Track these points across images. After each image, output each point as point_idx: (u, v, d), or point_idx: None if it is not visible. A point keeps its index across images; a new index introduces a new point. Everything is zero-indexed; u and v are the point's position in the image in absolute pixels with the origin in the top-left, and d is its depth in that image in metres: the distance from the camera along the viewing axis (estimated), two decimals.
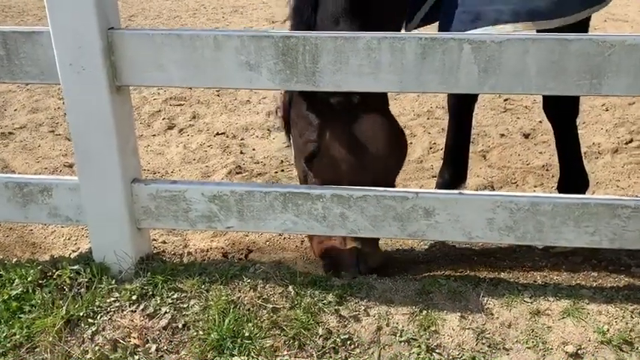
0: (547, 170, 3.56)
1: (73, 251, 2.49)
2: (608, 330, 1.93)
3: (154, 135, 4.27)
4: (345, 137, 2.24)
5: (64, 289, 2.12)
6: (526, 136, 4.15)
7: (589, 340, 1.91)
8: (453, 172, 2.81)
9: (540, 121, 4.42)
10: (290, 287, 2.10)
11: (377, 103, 2.26)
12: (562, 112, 2.46)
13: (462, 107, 2.71)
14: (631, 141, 3.98)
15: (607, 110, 4.57)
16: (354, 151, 2.23)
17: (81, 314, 2.04)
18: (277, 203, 2.12)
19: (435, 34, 1.87)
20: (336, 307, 2.04)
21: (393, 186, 2.43)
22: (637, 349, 1.89)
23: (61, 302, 2.07)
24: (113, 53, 1.96)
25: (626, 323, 1.96)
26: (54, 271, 2.18)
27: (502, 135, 4.16)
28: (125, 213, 2.14)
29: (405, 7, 2.35)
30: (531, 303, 2.05)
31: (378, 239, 2.42)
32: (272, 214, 2.14)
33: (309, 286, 2.11)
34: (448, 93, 2.69)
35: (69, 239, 2.64)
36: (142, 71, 1.98)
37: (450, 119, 2.76)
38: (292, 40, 1.89)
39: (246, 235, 2.69)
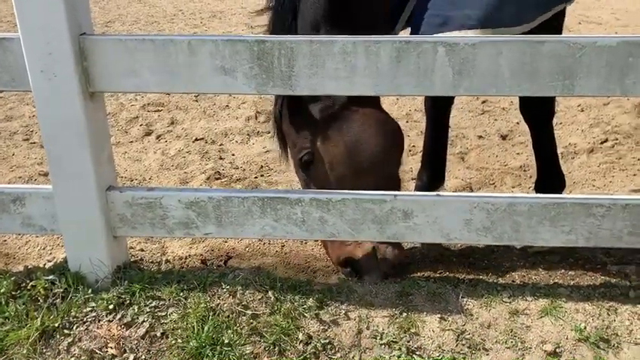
0: (524, 171, 3.60)
1: (49, 261, 2.44)
2: (585, 328, 1.95)
3: (132, 141, 4.22)
4: (337, 139, 2.24)
5: (39, 300, 2.08)
6: (503, 137, 4.20)
7: (567, 339, 1.93)
8: (432, 174, 2.82)
9: (517, 123, 4.47)
10: (270, 293, 2.09)
11: (365, 99, 2.25)
12: (538, 113, 2.49)
13: (439, 110, 2.72)
14: (606, 141, 4.05)
15: (582, 111, 4.64)
16: (348, 151, 2.23)
17: (56, 325, 2.00)
18: (255, 208, 2.11)
19: (409, 38, 1.88)
20: (317, 312, 2.04)
21: (398, 179, 2.41)
22: (613, 346, 1.91)
23: (35, 313, 2.03)
24: (86, 59, 1.93)
25: (603, 321, 1.98)
26: (28, 281, 2.14)
27: (480, 137, 4.20)
28: (101, 221, 2.11)
29: (385, 16, 2.34)
30: (510, 303, 2.07)
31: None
32: (250, 220, 2.12)
33: (289, 291, 2.10)
34: (424, 96, 2.70)
35: (44, 249, 2.60)
36: (116, 77, 1.96)
37: (428, 122, 2.77)
38: (267, 44, 1.89)
39: (226, 242, 2.67)
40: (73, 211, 2.10)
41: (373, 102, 2.33)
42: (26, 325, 1.99)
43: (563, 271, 2.33)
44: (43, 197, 2.14)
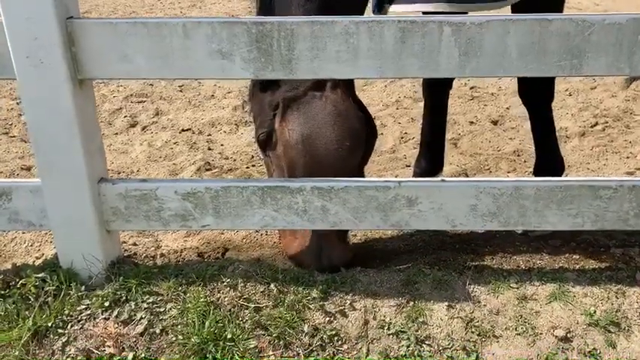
0: (518, 156, 3.58)
1: (37, 258, 2.34)
2: (595, 312, 1.93)
3: (116, 133, 4.10)
4: (294, 123, 2.11)
5: (30, 299, 1.98)
6: (495, 122, 4.17)
7: (577, 323, 1.90)
8: (431, 160, 2.77)
9: (507, 108, 4.45)
10: (272, 285, 2.02)
11: (338, 87, 2.13)
12: (538, 96, 2.45)
13: (437, 93, 2.67)
14: (596, 124, 4.05)
15: (570, 95, 4.64)
16: (302, 138, 2.09)
17: (49, 325, 1.91)
18: (255, 198, 2.03)
19: (414, 17, 1.81)
20: (321, 303, 1.98)
21: (359, 176, 2.25)
22: (624, 329, 1.89)
23: (27, 313, 1.93)
24: (74, 44, 1.83)
25: (612, 304, 1.96)
26: (17, 280, 2.04)
27: (471, 122, 4.16)
28: (93, 215, 2.01)
29: None
30: (518, 288, 2.03)
31: (346, 234, 2.32)
32: (250, 210, 2.05)
33: (291, 282, 2.04)
34: (429, 78, 2.63)
35: (31, 246, 2.48)
36: (106, 63, 1.86)
37: (426, 106, 2.71)
38: (267, 26, 1.80)
39: (222, 234, 2.59)
40: (63, 205, 2.00)
41: (345, 87, 2.17)
42: (17, 325, 1.90)
43: (567, 255, 2.30)
44: (31, 191, 2.04)
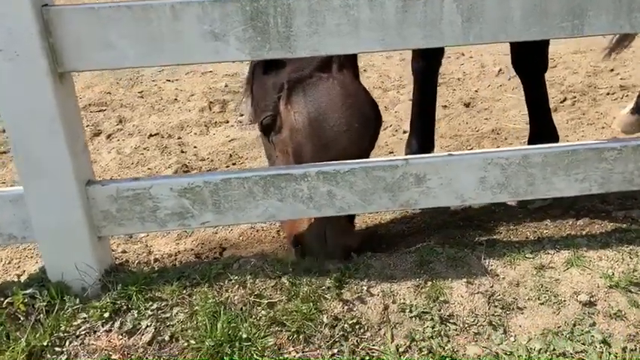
0: (498, 134, 3.59)
1: (18, 275, 2.15)
2: (613, 274, 1.91)
3: None
4: (300, 106, 2.05)
5: (19, 318, 1.80)
6: (467, 105, 4.18)
7: (598, 287, 1.88)
8: (422, 140, 2.72)
9: (476, 91, 4.47)
10: (283, 278, 1.91)
11: (344, 68, 2.09)
12: (532, 65, 2.44)
13: (428, 73, 2.62)
14: (565, 99, 4.11)
15: None
16: (310, 121, 2.03)
17: (45, 344, 1.74)
18: (257, 189, 1.92)
19: None
20: (337, 292, 1.88)
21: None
22: None
23: (18, 334, 1.76)
24: (51, 34, 1.67)
25: (628, 265, 1.95)
26: (2, 299, 1.85)
27: (445, 107, 4.16)
28: (83, 221, 1.86)
29: None
30: (533, 258, 2.00)
31: (353, 220, 2.24)
32: (252, 202, 1.94)
33: (303, 274, 1.93)
34: (418, 58, 2.58)
35: (9, 263, 2.28)
36: (88, 52, 1.71)
37: (416, 86, 2.66)
38: (261, 2, 1.70)
39: (216, 233, 2.46)
40: (49, 212, 1.83)
41: (349, 69, 2.13)
42: (9, 347, 1.72)
43: (571, 222, 2.29)
44: (11, 201, 1.86)
